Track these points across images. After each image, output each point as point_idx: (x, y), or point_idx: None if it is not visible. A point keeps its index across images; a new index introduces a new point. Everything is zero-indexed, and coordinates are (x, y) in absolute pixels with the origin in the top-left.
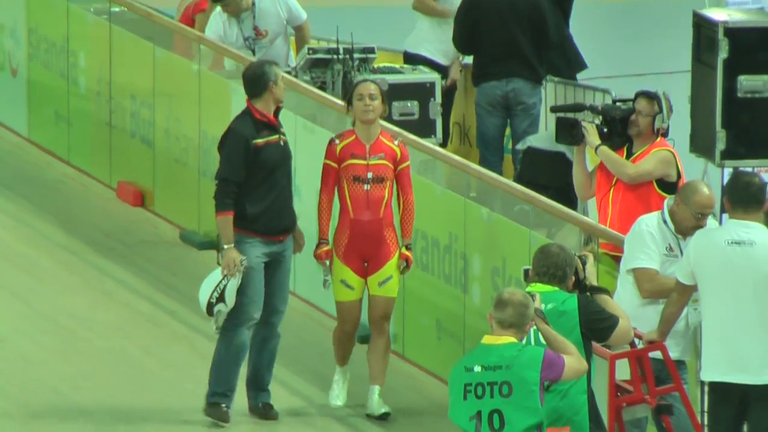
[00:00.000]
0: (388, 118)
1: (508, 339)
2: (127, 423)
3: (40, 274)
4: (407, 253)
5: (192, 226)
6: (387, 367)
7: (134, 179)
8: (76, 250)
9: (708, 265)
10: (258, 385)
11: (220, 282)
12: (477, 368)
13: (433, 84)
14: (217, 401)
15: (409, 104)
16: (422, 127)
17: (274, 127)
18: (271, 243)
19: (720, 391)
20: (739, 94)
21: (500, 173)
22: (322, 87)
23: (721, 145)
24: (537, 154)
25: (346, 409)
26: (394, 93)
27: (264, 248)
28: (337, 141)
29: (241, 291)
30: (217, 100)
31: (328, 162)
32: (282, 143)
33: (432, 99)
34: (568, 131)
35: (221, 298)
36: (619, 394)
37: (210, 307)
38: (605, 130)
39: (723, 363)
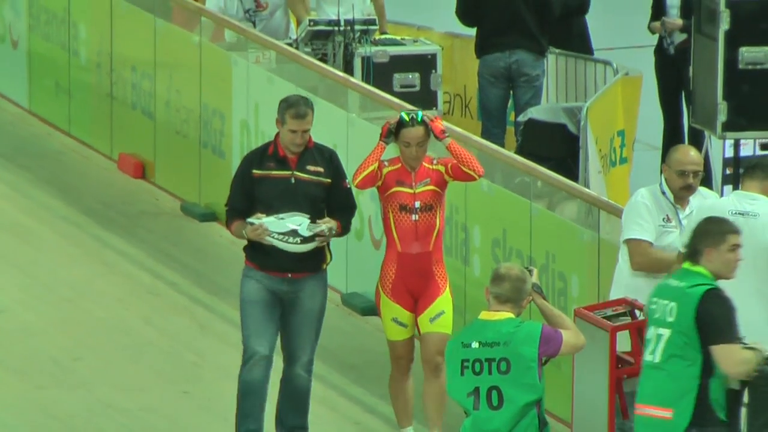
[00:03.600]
0: (389, 90)
1: (506, 315)
2: (127, 393)
3: (41, 245)
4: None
5: (193, 198)
6: (444, 409)
7: (135, 151)
8: (77, 221)
9: None
10: (283, 425)
11: (274, 237)
12: (474, 344)
13: (434, 55)
14: None
15: (410, 76)
16: (423, 98)
17: (284, 162)
18: (274, 279)
19: None
20: (740, 66)
21: (502, 145)
22: (323, 59)
23: (722, 117)
24: (538, 126)
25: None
26: (395, 65)
27: (266, 281)
28: (386, 163)
29: (242, 328)
30: (218, 71)
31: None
32: (293, 180)
33: (433, 70)
34: None
35: (292, 234)
36: (619, 365)
37: (305, 240)
38: None
39: None
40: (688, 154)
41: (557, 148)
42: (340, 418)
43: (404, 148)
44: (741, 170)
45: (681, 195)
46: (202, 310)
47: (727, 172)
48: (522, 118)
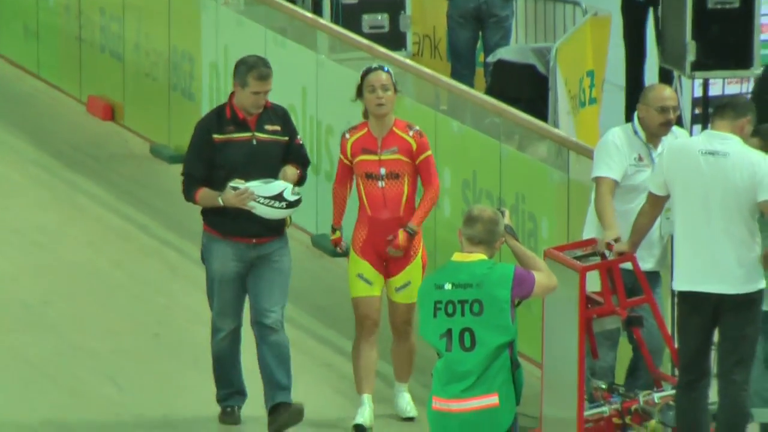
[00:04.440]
0: (358, 31)
1: (479, 256)
2: (98, 337)
3: (10, 189)
4: (403, 234)
5: (162, 140)
6: (412, 368)
7: (104, 93)
8: (46, 164)
9: (681, 173)
10: (269, 385)
11: (260, 202)
12: (447, 286)
13: None
14: (223, 406)
15: (379, 17)
16: (392, 39)
17: (243, 124)
18: (242, 246)
19: (692, 300)
20: (709, 5)
21: (471, 86)
22: (292, 0)
23: (691, 57)
24: (507, 67)
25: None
26: (363, 6)
27: (233, 251)
28: (347, 135)
29: (210, 301)
30: (187, 14)
31: (341, 158)
32: (255, 142)
33: (402, 12)
34: None
35: (277, 199)
36: (589, 306)
37: (289, 204)
38: None
39: (695, 273)
40: (665, 90)
41: (526, 89)
42: (310, 360)
43: (369, 95)
44: (710, 110)
45: (660, 132)
46: (173, 252)
47: (696, 111)
48: (491, 59)
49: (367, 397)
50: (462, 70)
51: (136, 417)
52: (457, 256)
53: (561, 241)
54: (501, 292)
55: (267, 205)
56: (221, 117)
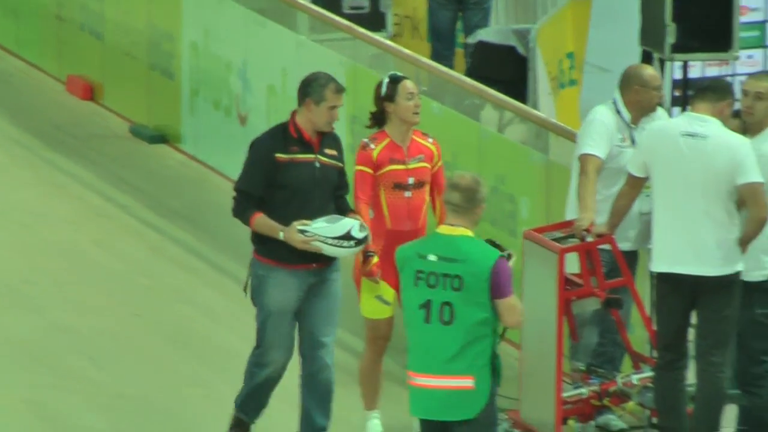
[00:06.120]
0: (339, 12)
1: (464, 231)
2: (79, 316)
3: None
4: None
5: (142, 120)
6: None
7: (84, 72)
8: (27, 143)
9: (660, 155)
10: (311, 427)
11: (329, 243)
12: (432, 257)
13: None
14: (240, 415)
15: None
16: (373, 20)
17: (308, 145)
18: (303, 273)
19: (671, 281)
20: None
21: (452, 67)
22: None
23: (671, 39)
24: (488, 48)
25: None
26: None
27: (294, 279)
28: (372, 146)
29: (260, 334)
30: None
31: (363, 169)
32: (318, 164)
33: None
34: None
35: (346, 239)
36: (568, 287)
37: (358, 242)
38: None
39: (674, 254)
40: (654, 70)
41: (507, 70)
42: None
43: (406, 102)
44: (690, 92)
45: (650, 112)
46: (154, 232)
47: (676, 94)
48: (472, 40)
49: (377, 414)
50: (442, 50)
51: (115, 396)
52: (442, 229)
53: (540, 222)
54: (483, 269)
55: (334, 245)
56: (286, 135)
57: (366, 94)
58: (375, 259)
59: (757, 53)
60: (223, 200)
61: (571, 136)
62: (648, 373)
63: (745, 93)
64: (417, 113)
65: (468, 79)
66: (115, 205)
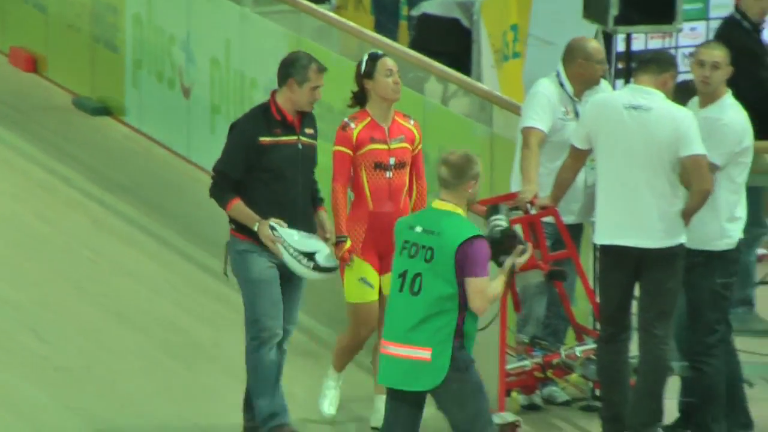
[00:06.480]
0: None
1: (452, 207)
2: (21, 289)
3: None
4: None
5: (85, 92)
6: None
7: (27, 44)
8: None
9: (604, 127)
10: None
11: (289, 252)
12: (418, 228)
13: None
14: (275, 425)
15: None
16: None
17: (290, 127)
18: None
19: (614, 254)
20: None
21: (396, 40)
22: None
23: (614, 11)
24: (431, 21)
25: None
26: None
27: (268, 254)
28: (352, 125)
29: (251, 309)
30: None
31: (342, 149)
32: (300, 146)
33: None
34: None
35: (307, 257)
36: None
37: (318, 268)
38: None
39: (617, 226)
40: (598, 43)
41: (451, 43)
42: (234, 314)
43: (385, 79)
44: (633, 65)
45: (593, 85)
46: (97, 205)
47: (619, 66)
48: (415, 12)
49: (337, 376)
50: (386, 23)
51: (58, 368)
52: (434, 203)
53: (484, 194)
54: (450, 247)
55: (294, 257)
56: (269, 117)
57: None
58: (348, 244)
59: (700, 25)
60: (167, 173)
61: (514, 109)
62: (591, 346)
63: (701, 63)
64: (396, 90)
65: (412, 52)
66: (58, 178)
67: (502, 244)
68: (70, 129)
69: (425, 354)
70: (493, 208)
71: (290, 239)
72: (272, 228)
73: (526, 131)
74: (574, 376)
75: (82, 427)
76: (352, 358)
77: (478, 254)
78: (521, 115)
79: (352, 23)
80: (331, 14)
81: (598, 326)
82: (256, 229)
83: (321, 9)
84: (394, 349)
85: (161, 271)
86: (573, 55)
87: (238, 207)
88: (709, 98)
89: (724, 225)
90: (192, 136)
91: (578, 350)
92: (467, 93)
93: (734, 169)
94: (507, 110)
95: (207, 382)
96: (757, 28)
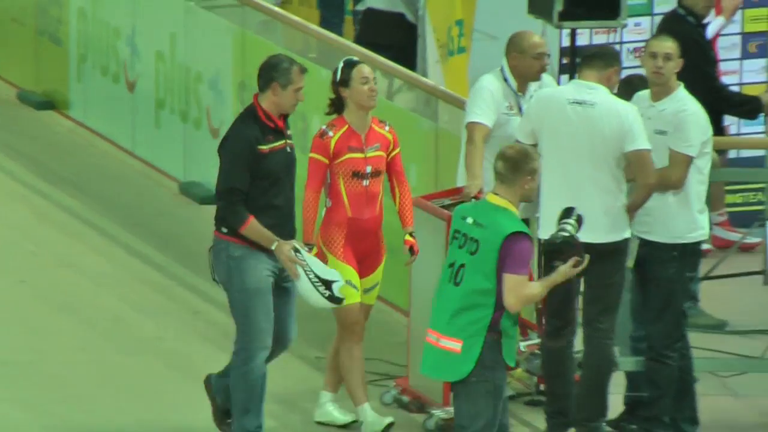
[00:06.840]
0: None
1: (504, 203)
2: None
3: None
4: (412, 240)
5: (29, 86)
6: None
7: None
8: None
9: (548, 122)
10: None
11: (309, 277)
12: (469, 219)
13: None
14: None
15: None
16: None
17: (280, 132)
18: (272, 257)
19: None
20: None
21: (340, 34)
22: None
23: (558, 6)
24: (377, 15)
25: None
26: None
27: (270, 264)
28: (330, 133)
29: (243, 319)
30: None
31: (318, 157)
32: (288, 149)
33: None
34: None
35: (325, 285)
36: None
37: (332, 298)
38: None
39: None
40: (537, 37)
41: (396, 37)
42: (178, 307)
43: (361, 86)
44: (577, 60)
45: (535, 79)
46: (40, 198)
47: (564, 61)
48: (360, 6)
49: (368, 406)
50: (331, 18)
51: (2, 362)
52: (489, 196)
53: (429, 189)
54: (496, 240)
55: (312, 281)
56: (262, 125)
57: (254, 62)
58: (314, 251)
59: (645, 21)
60: (110, 166)
61: (460, 104)
62: (535, 341)
63: (653, 55)
64: (372, 98)
65: (357, 46)
66: (2, 172)
67: (560, 252)
68: (14, 122)
69: (456, 345)
70: (566, 211)
71: (312, 265)
72: (296, 251)
73: (471, 126)
74: (518, 371)
75: (28, 421)
76: (360, 373)
77: (521, 252)
78: (466, 111)
79: (297, 18)
80: (276, 8)
81: (542, 321)
82: (273, 248)
83: (266, 3)
84: (433, 338)
85: (104, 263)
86: (508, 48)
87: (254, 226)
88: (662, 91)
89: (696, 216)
90: (137, 130)
91: (522, 345)
92: (412, 88)
93: (701, 160)
94: (452, 105)
95: (151, 376)
96: (701, 23)
